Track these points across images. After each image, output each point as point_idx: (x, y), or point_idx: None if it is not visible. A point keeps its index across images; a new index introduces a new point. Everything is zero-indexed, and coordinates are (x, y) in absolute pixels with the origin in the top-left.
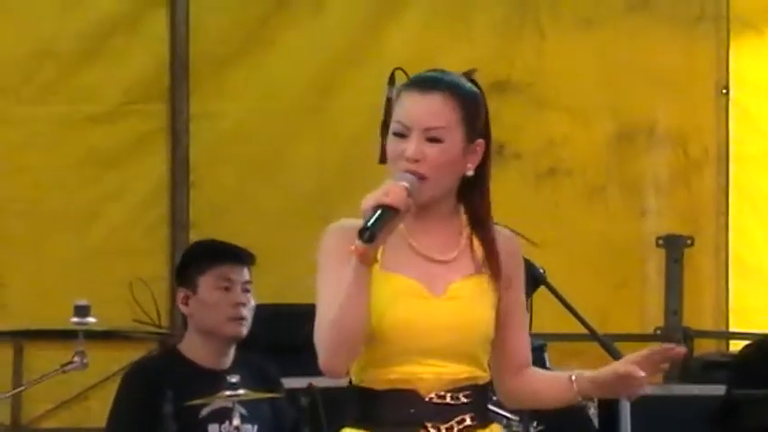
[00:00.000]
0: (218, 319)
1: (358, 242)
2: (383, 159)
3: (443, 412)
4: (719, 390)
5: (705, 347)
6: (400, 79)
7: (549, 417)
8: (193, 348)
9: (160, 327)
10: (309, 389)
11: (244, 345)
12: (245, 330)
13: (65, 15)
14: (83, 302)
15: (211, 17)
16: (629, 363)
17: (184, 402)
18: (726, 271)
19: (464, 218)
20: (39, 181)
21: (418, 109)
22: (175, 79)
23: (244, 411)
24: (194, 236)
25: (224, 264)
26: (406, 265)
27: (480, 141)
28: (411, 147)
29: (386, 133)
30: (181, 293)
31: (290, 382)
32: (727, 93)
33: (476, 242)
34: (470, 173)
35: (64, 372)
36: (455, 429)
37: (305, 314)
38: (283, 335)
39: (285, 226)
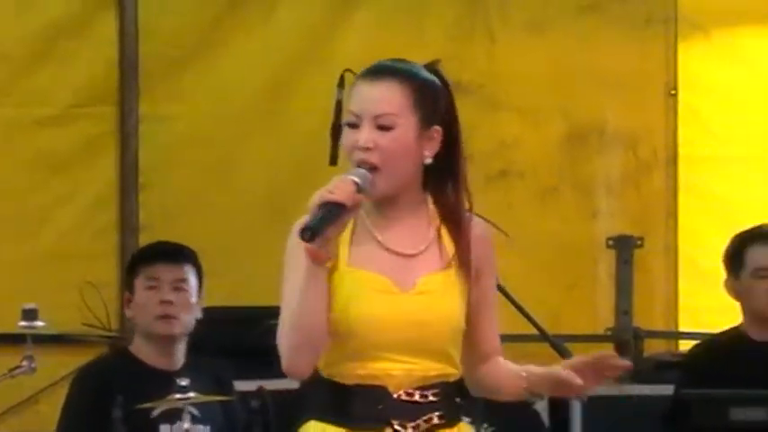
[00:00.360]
0: (148, 319)
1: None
2: (333, 161)
3: (411, 410)
4: (670, 390)
5: (655, 347)
6: (350, 82)
7: (499, 417)
8: (142, 350)
9: (110, 330)
10: (260, 392)
11: (196, 347)
12: (176, 328)
13: (13, 18)
14: (31, 306)
15: (161, 19)
16: (570, 368)
17: (135, 405)
18: (675, 271)
19: (432, 209)
20: None
21: (368, 97)
22: (125, 82)
23: (195, 413)
24: (144, 239)
25: (153, 264)
26: (373, 260)
27: (437, 128)
28: (362, 136)
29: (336, 135)
30: (126, 297)
31: (242, 385)
32: (676, 94)
33: (445, 234)
34: (428, 161)
35: (12, 376)
36: (422, 428)
37: (257, 317)
38: (235, 337)
39: (237, 229)
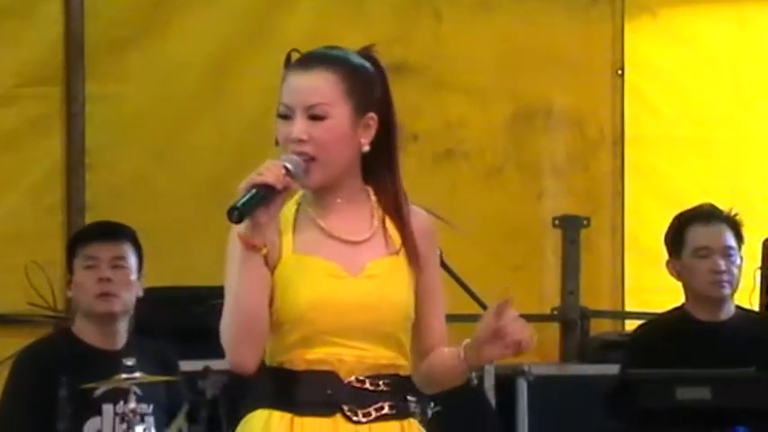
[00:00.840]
0: (88, 298)
1: (239, 228)
2: (278, 143)
3: (362, 397)
4: (616, 369)
5: (602, 327)
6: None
7: (445, 397)
8: (83, 330)
9: (56, 310)
10: (205, 372)
11: (141, 327)
12: (116, 306)
13: None
14: None
15: None
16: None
17: (79, 385)
18: (622, 251)
19: (374, 200)
20: None
21: (298, 87)
22: (70, 62)
23: (139, 392)
24: (90, 219)
25: (90, 243)
26: (319, 246)
27: (372, 115)
28: (295, 127)
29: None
30: (67, 278)
31: (188, 365)
32: (623, 75)
33: (389, 224)
34: (366, 148)
35: None
36: (372, 415)
37: (202, 297)
38: (181, 318)
39: (183, 209)
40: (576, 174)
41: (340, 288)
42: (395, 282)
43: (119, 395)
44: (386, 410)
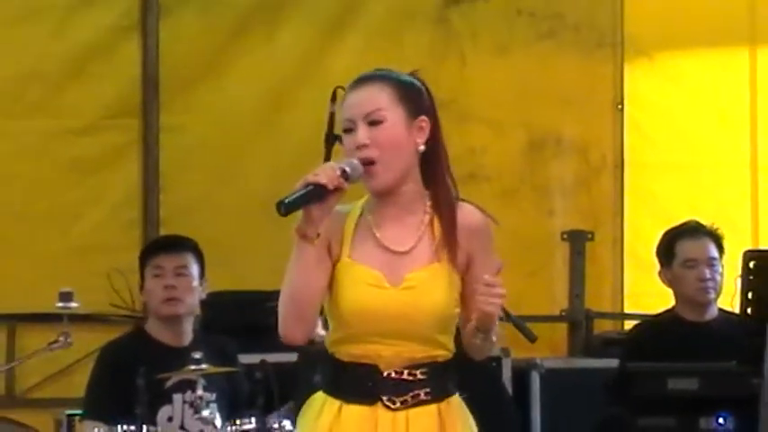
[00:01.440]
0: (156, 303)
1: (297, 223)
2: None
3: (399, 387)
4: (615, 363)
5: (604, 326)
6: (341, 97)
7: (470, 388)
8: (154, 329)
9: (134, 311)
10: (262, 364)
11: (207, 326)
12: (180, 309)
13: (50, 41)
14: (67, 290)
15: (178, 43)
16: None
17: (153, 376)
18: (621, 261)
19: (428, 202)
20: (29, 186)
21: (356, 101)
22: (147, 97)
23: (204, 383)
24: (164, 233)
25: (157, 255)
26: (369, 255)
27: (424, 118)
28: (358, 135)
29: (329, 143)
30: (140, 285)
31: (246, 358)
32: (622, 108)
33: (437, 227)
34: (422, 148)
35: (51, 350)
36: (409, 402)
37: (259, 299)
38: (242, 317)
39: (243, 224)
40: (582, 194)
41: (380, 298)
42: (432, 290)
43: (187, 385)
44: (422, 397)
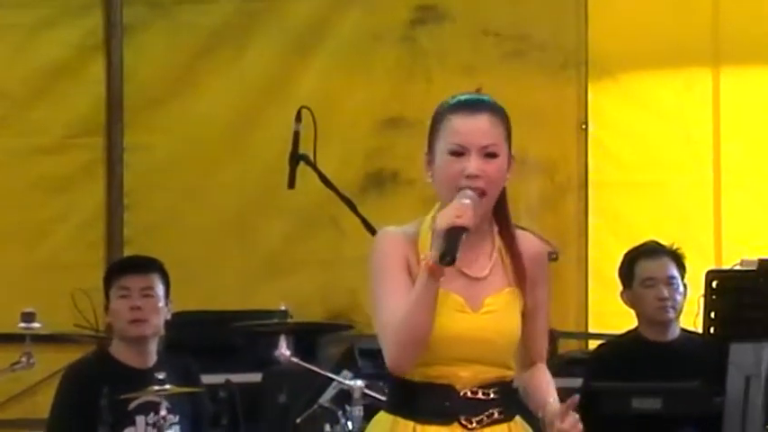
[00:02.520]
0: (122, 324)
1: (429, 258)
2: (291, 185)
3: (475, 407)
4: (580, 382)
5: (568, 346)
6: (306, 117)
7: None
8: (119, 350)
9: (98, 331)
10: (227, 384)
11: (172, 345)
12: (147, 330)
13: (14, 60)
14: (29, 310)
15: (143, 62)
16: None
17: (116, 397)
18: (586, 281)
19: (496, 231)
20: None
21: (472, 129)
22: (111, 116)
23: (168, 404)
24: (128, 252)
25: (123, 275)
26: (449, 281)
27: (512, 156)
28: (472, 164)
29: (294, 163)
30: (105, 305)
31: (211, 378)
32: (587, 128)
33: (505, 254)
34: (505, 185)
35: (13, 370)
36: (485, 422)
37: (225, 320)
38: (207, 337)
39: (209, 243)
40: (547, 214)
41: (462, 322)
42: (509, 315)
43: (150, 407)
44: (495, 416)
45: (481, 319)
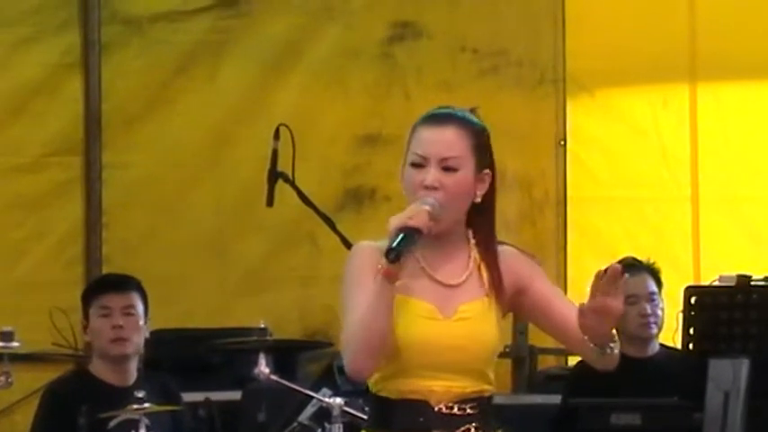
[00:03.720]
0: (103, 343)
1: (383, 262)
2: (270, 203)
3: (450, 422)
4: (559, 398)
5: (547, 362)
6: (284, 134)
7: None
8: (98, 369)
9: (77, 350)
10: (206, 402)
11: (151, 364)
12: (128, 349)
13: None
14: (8, 329)
15: (121, 81)
16: (595, 301)
17: (96, 415)
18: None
19: (473, 243)
20: None
21: (434, 140)
22: (89, 134)
23: (147, 422)
24: (107, 270)
25: (103, 294)
26: (420, 288)
27: (488, 171)
28: (429, 176)
29: (272, 180)
30: (83, 324)
31: (190, 396)
32: (565, 144)
33: (483, 266)
34: (478, 200)
35: None
36: None
37: (203, 337)
38: (186, 355)
39: (186, 261)
40: (525, 229)
41: (434, 329)
42: (484, 323)
43: (130, 425)
44: (472, 431)
45: (453, 326)
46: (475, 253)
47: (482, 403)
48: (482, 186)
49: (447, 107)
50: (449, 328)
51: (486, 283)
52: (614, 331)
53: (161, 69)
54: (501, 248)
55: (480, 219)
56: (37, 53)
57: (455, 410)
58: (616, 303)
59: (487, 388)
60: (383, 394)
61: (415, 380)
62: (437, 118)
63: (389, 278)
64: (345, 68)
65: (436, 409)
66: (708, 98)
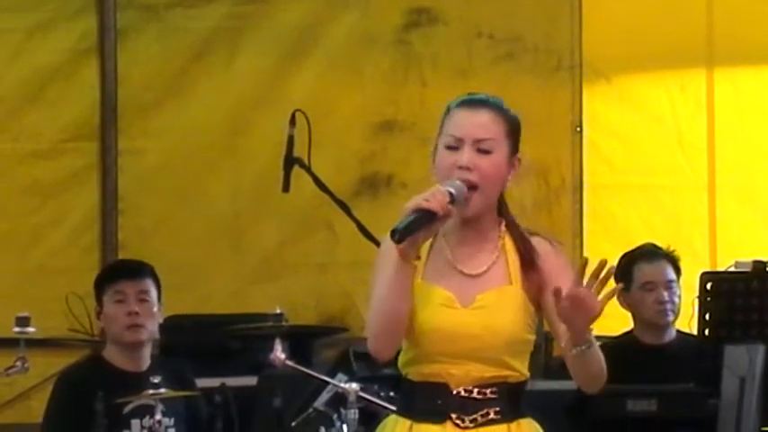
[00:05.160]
0: (119, 329)
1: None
2: (286, 188)
3: (469, 405)
4: (574, 385)
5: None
6: (300, 120)
7: None
8: (112, 355)
9: (92, 335)
10: (222, 388)
11: (166, 349)
12: (143, 335)
13: (9, 65)
14: (24, 314)
15: (137, 67)
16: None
17: (111, 401)
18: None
19: (502, 230)
20: None
21: (469, 123)
22: (105, 121)
23: (163, 408)
24: (122, 256)
25: (118, 280)
26: (442, 276)
27: (519, 156)
28: (464, 156)
29: (288, 166)
30: (96, 310)
31: (206, 382)
32: (581, 131)
33: (510, 253)
34: (509, 185)
35: (8, 375)
36: (479, 421)
37: (219, 323)
38: (202, 341)
39: (203, 247)
40: (542, 216)
41: (451, 318)
42: (502, 311)
43: (145, 410)
44: (491, 416)
45: (469, 315)
46: (504, 241)
47: (505, 389)
48: (513, 171)
49: (484, 94)
50: (465, 317)
51: (512, 271)
52: (592, 335)
53: (177, 55)
54: (536, 240)
55: (503, 206)
56: (53, 39)
57: (474, 394)
58: (592, 302)
59: (511, 374)
60: (409, 377)
61: (435, 364)
62: (472, 102)
63: (403, 257)
64: (361, 55)
65: (455, 392)
66: (725, 84)
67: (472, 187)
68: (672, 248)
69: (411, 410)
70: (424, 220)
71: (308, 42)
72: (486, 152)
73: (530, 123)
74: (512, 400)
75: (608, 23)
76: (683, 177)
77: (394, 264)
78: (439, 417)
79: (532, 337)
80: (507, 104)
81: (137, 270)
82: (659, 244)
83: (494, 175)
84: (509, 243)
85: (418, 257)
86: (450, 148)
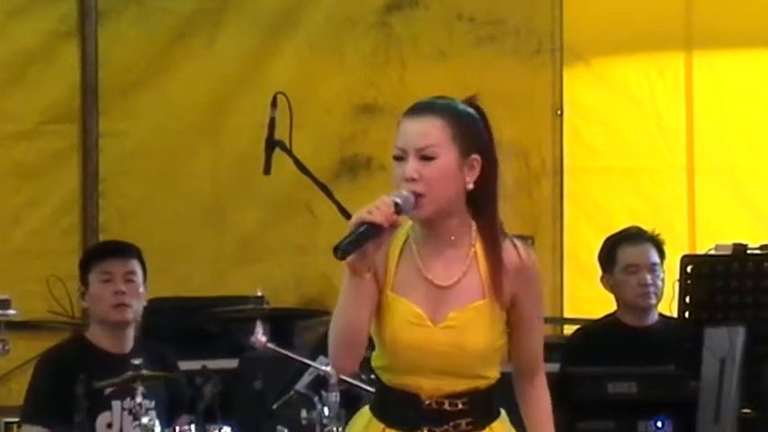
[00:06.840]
0: (104, 308)
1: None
2: (267, 171)
3: (440, 417)
4: (556, 368)
5: (545, 331)
6: (281, 103)
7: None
8: (96, 335)
9: (73, 317)
10: (203, 370)
11: (148, 332)
12: (129, 315)
13: None
14: (4, 297)
15: (118, 48)
16: None
17: (93, 383)
18: (561, 266)
19: (474, 235)
20: None
21: (410, 131)
22: (86, 102)
23: (143, 389)
24: (103, 239)
25: (104, 260)
26: (412, 289)
27: (476, 156)
28: (407, 167)
29: (269, 148)
30: (80, 290)
31: (188, 365)
32: (561, 114)
33: (483, 261)
34: (470, 186)
35: None
36: None
37: (200, 306)
38: (183, 323)
39: (184, 229)
40: (522, 199)
41: (420, 335)
42: (474, 330)
43: (126, 392)
44: (463, 427)
45: (440, 333)
46: (476, 248)
47: (476, 397)
48: (471, 173)
49: (433, 97)
50: (435, 335)
51: (484, 280)
52: None
53: (158, 37)
54: (506, 244)
55: (479, 208)
56: (33, 21)
57: (446, 406)
58: None
59: (482, 382)
60: (382, 380)
61: (406, 376)
62: (414, 110)
63: (354, 272)
64: (342, 37)
65: (426, 403)
66: (703, 67)
67: (419, 196)
68: (657, 232)
69: (383, 414)
70: (369, 233)
71: (289, 24)
72: (430, 158)
73: (510, 106)
74: (484, 405)
75: (588, 6)
76: (661, 160)
77: (346, 279)
78: (410, 427)
79: (504, 340)
80: (483, 87)
81: (124, 250)
82: (643, 227)
83: (440, 180)
84: (481, 250)
85: (370, 270)
86: (397, 158)
